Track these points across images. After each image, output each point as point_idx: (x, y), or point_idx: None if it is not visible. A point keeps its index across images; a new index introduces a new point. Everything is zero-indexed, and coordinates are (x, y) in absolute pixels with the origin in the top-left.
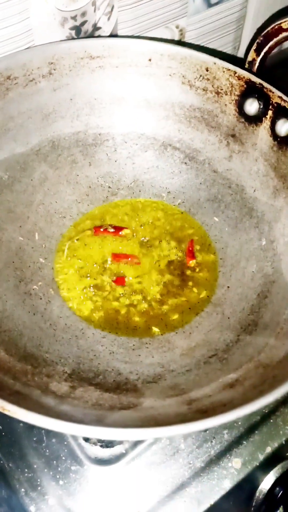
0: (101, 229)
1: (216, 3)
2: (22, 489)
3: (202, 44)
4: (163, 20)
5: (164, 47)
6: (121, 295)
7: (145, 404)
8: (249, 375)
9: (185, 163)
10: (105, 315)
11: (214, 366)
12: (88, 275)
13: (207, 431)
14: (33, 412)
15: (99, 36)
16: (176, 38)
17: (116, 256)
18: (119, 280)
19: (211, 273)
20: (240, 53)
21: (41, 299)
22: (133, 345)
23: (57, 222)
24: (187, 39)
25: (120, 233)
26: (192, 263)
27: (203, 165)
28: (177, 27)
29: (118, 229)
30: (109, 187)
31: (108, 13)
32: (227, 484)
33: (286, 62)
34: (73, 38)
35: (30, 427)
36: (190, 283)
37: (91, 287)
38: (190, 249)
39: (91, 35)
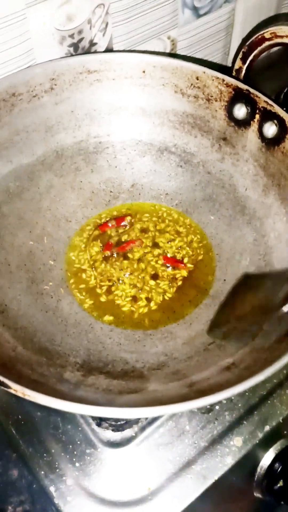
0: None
1: (205, 14)
2: (42, 472)
3: (193, 52)
4: (155, 32)
5: (156, 59)
6: (126, 291)
7: (150, 388)
8: (243, 359)
9: (181, 166)
10: (110, 310)
11: (213, 353)
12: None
13: (210, 414)
14: (50, 396)
15: (95, 52)
16: (168, 48)
17: (121, 247)
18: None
19: (209, 267)
20: (230, 59)
21: (52, 297)
22: (139, 336)
23: (63, 226)
24: (179, 48)
25: (121, 223)
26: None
27: (197, 168)
28: (168, 38)
29: (119, 220)
30: (111, 191)
31: (103, 30)
32: (229, 461)
33: (273, 64)
34: (71, 55)
35: (47, 416)
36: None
37: (99, 285)
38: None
39: (88, 51)
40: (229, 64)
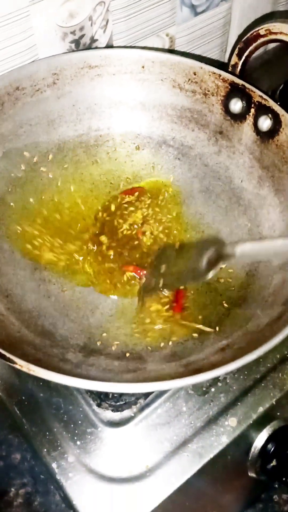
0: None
1: (202, 12)
2: (45, 449)
3: (191, 49)
4: (154, 29)
5: (155, 55)
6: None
7: (148, 368)
8: (237, 341)
9: (179, 158)
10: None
11: (209, 336)
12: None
13: (206, 396)
14: (53, 372)
15: (96, 48)
16: (167, 45)
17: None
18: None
19: None
20: (227, 56)
21: (54, 284)
22: (138, 321)
23: (66, 216)
24: (177, 45)
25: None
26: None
27: (195, 160)
28: (167, 35)
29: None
30: (111, 183)
31: (103, 26)
32: (224, 440)
33: (270, 61)
34: (73, 51)
35: (50, 397)
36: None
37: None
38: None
39: (89, 47)
40: (227, 61)
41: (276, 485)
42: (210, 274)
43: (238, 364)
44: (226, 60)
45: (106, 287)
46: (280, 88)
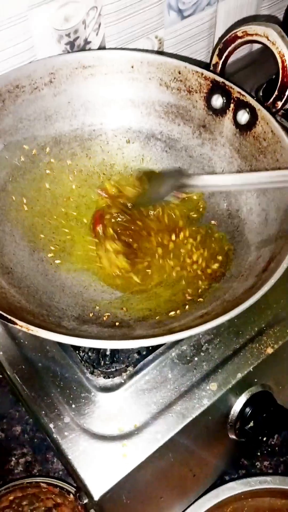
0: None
1: (189, 15)
2: (43, 412)
3: (179, 51)
4: (144, 32)
5: (143, 55)
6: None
7: (136, 334)
8: (215, 309)
9: (166, 151)
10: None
11: (191, 307)
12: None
13: (190, 364)
14: (50, 332)
15: (89, 49)
16: (156, 47)
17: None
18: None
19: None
20: None
21: (51, 264)
22: (127, 296)
23: (61, 203)
24: (166, 47)
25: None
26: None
27: (180, 152)
28: (156, 37)
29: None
30: (104, 174)
31: (96, 29)
32: (205, 402)
33: (256, 60)
34: (68, 52)
35: (47, 365)
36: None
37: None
38: None
39: (83, 49)
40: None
41: (259, 453)
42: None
43: (212, 325)
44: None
45: (99, 271)
46: (264, 86)
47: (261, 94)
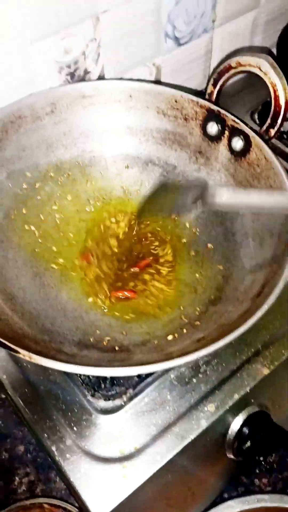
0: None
1: (185, 42)
2: (45, 434)
3: (176, 76)
4: (142, 60)
5: (141, 85)
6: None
7: (135, 358)
8: (212, 333)
9: (164, 176)
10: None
11: (188, 330)
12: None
13: (188, 386)
14: (51, 360)
15: (89, 79)
16: (154, 73)
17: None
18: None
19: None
20: None
21: (52, 288)
22: (127, 320)
23: (63, 228)
24: (163, 73)
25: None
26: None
27: (178, 177)
28: (153, 64)
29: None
30: (103, 198)
31: (95, 60)
32: (204, 423)
33: (252, 84)
34: (68, 82)
35: (50, 389)
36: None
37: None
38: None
39: (83, 78)
40: None
41: (258, 470)
42: (193, 212)
43: (209, 350)
44: None
45: (96, 299)
46: (259, 109)
47: (256, 116)
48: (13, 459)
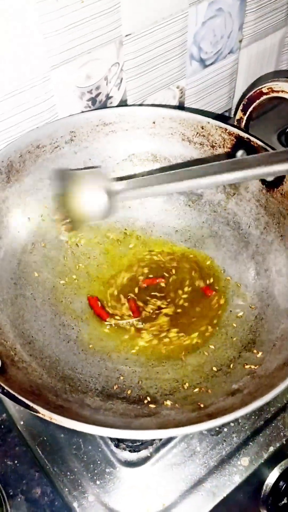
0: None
1: (211, 64)
2: (66, 489)
3: (200, 98)
4: (165, 83)
5: (165, 112)
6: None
7: (164, 412)
8: (247, 385)
9: (189, 205)
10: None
11: (220, 379)
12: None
13: (219, 436)
14: (74, 420)
15: (111, 105)
16: (177, 96)
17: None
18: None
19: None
20: (235, 102)
21: (73, 329)
22: (152, 363)
23: (83, 261)
24: (187, 96)
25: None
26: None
27: (204, 207)
28: (177, 87)
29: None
30: (125, 229)
31: (118, 84)
32: (237, 479)
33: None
34: (90, 108)
35: (70, 437)
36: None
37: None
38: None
39: (104, 104)
40: (234, 106)
41: None
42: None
43: (248, 410)
44: (233, 106)
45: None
46: (286, 131)
47: (283, 138)
48: (29, 503)
